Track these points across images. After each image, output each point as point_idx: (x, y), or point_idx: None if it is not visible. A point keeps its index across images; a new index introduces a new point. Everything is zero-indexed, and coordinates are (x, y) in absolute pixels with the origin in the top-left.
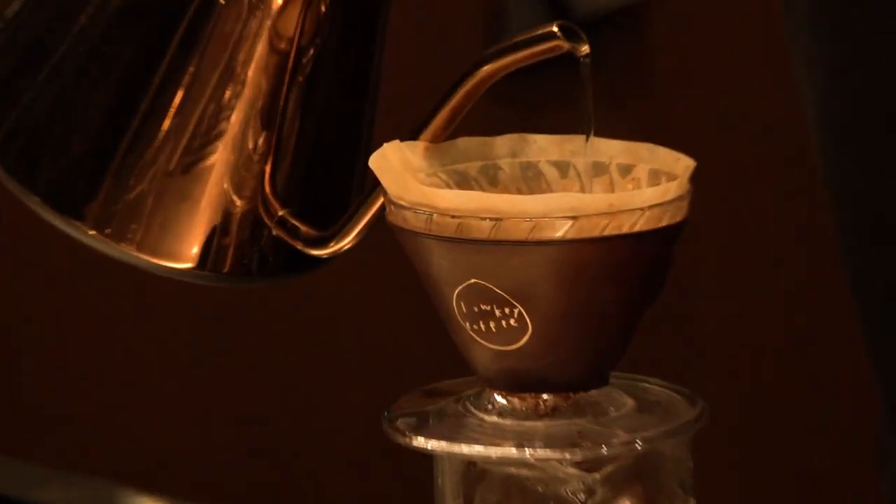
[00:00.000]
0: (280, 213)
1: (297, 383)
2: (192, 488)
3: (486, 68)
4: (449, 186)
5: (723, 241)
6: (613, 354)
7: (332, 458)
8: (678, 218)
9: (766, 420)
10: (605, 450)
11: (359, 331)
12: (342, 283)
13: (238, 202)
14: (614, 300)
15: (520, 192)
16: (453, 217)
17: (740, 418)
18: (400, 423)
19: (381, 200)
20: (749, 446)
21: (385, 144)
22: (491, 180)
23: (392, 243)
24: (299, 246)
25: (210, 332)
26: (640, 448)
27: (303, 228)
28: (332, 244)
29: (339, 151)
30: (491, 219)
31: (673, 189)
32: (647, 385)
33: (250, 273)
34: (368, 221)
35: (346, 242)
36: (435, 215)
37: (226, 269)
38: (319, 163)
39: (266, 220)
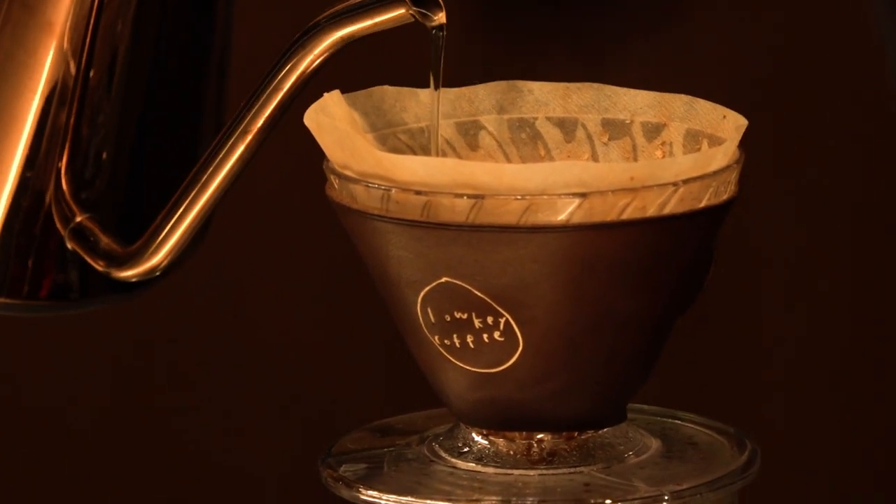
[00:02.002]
0: (78, 218)
1: (207, 411)
2: None
3: (320, 43)
4: (412, 151)
5: (785, 227)
6: (633, 380)
7: None
8: (724, 196)
9: (837, 468)
10: None
11: (283, 348)
12: (255, 279)
13: (29, 207)
14: (635, 307)
15: (509, 159)
16: (419, 193)
17: (804, 466)
18: (344, 470)
19: (199, 206)
20: (815, 499)
21: (325, 95)
22: (470, 143)
23: (332, 225)
24: (98, 265)
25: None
26: None
27: (104, 240)
28: (133, 264)
29: (167, 141)
30: (470, 196)
31: (718, 157)
32: (679, 422)
33: (66, 299)
34: (185, 235)
35: (152, 263)
36: (394, 191)
37: (34, 295)
38: (138, 155)
39: (59, 227)
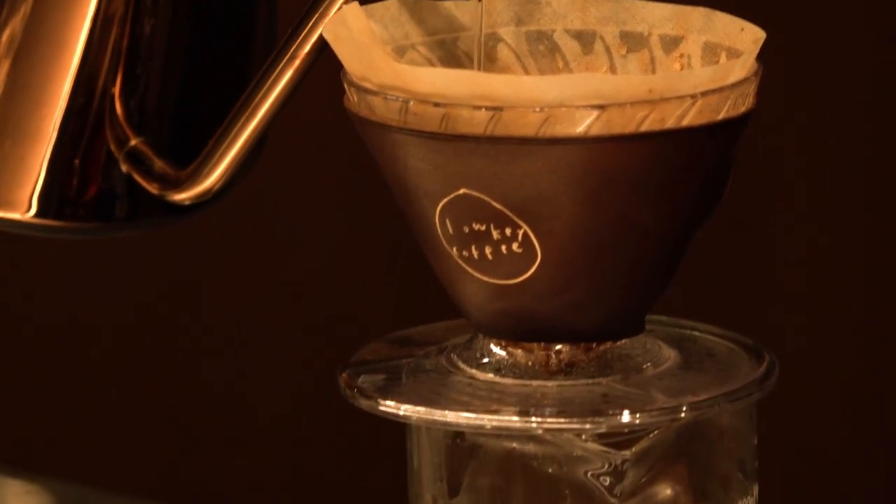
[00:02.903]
0: (133, 141)
1: (228, 331)
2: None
3: None
4: (431, 63)
5: (804, 139)
6: (652, 292)
7: (271, 430)
8: (742, 109)
9: (852, 382)
10: (638, 419)
11: (306, 258)
12: (281, 194)
13: (82, 129)
14: (653, 219)
15: (527, 72)
16: (437, 105)
17: (821, 380)
18: (363, 381)
19: (252, 127)
20: (831, 416)
21: (344, 7)
22: (488, 56)
23: (353, 138)
24: (153, 188)
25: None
26: (685, 416)
27: (158, 164)
28: (187, 187)
29: (219, 64)
30: (488, 108)
31: (736, 69)
32: (697, 333)
33: (110, 220)
34: (238, 157)
35: (207, 186)
36: (412, 103)
37: (79, 216)
38: (190, 78)
39: (115, 150)
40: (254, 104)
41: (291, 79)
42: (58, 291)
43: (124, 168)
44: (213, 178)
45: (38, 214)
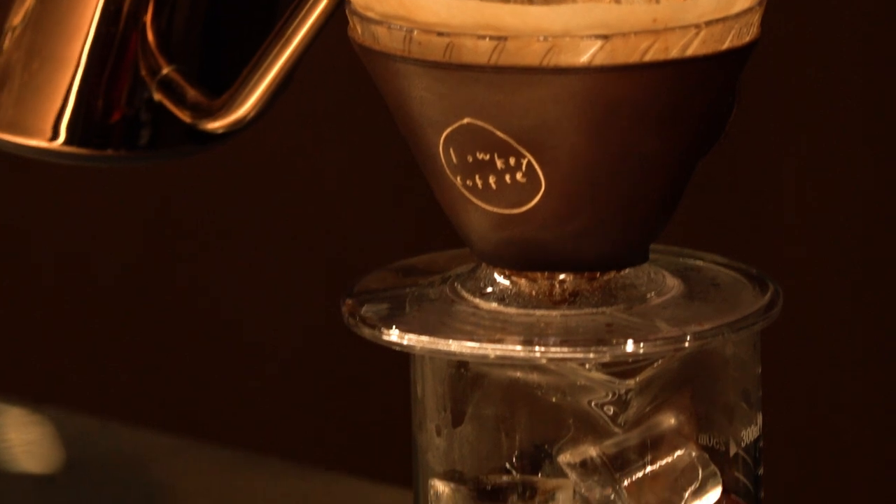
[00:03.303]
0: (165, 70)
1: (234, 261)
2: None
3: None
4: None
5: (811, 69)
6: (655, 222)
7: (276, 360)
8: (746, 38)
9: (854, 312)
10: (642, 348)
11: (311, 189)
12: (287, 126)
13: (111, 57)
14: (657, 149)
15: (531, 1)
16: (441, 35)
17: (824, 309)
18: (366, 310)
19: (286, 57)
20: (835, 345)
21: None
22: None
23: (358, 70)
24: (185, 116)
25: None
26: (689, 346)
27: (191, 92)
28: (221, 115)
29: None
30: (492, 38)
31: None
32: (701, 263)
33: (135, 148)
34: (271, 86)
35: (240, 114)
36: (416, 32)
37: (104, 144)
38: (224, 4)
39: (146, 78)
40: (288, 33)
41: (326, 8)
42: (63, 220)
43: (157, 96)
44: (247, 106)
45: (66, 142)
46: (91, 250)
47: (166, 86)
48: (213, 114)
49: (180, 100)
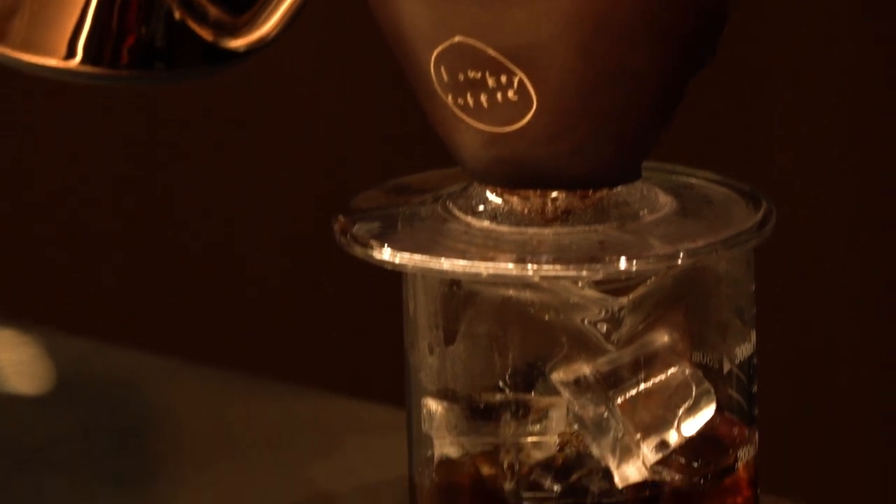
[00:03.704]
0: None
1: (218, 186)
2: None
3: None
4: None
5: None
6: (648, 139)
7: (269, 280)
8: None
9: (848, 228)
10: (635, 265)
11: (302, 108)
12: (278, 45)
13: None
14: (648, 65)
15: None
16: None
17: (818, 226)
18: (358, 228)
19: None
20: (828, 262)
21: None
22: None
23: None
24: (207, 35)
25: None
26: (682, 263)
27: (212, 11)
28: (244, 33)
29: None
30: None
31: None
32: (694, 180)
33: (151, 68)
34: (295, 3)
35: (263, 32)
36: None
37: (119, 64)
38: None
39: None
40: None
41: None
42: (54, 140)
43: (178, 14)
44: (270, 24)
45: (82, 62)
46: (83, 171)
47: (188, 4)
48: (236, 32)
49: (202, 17)
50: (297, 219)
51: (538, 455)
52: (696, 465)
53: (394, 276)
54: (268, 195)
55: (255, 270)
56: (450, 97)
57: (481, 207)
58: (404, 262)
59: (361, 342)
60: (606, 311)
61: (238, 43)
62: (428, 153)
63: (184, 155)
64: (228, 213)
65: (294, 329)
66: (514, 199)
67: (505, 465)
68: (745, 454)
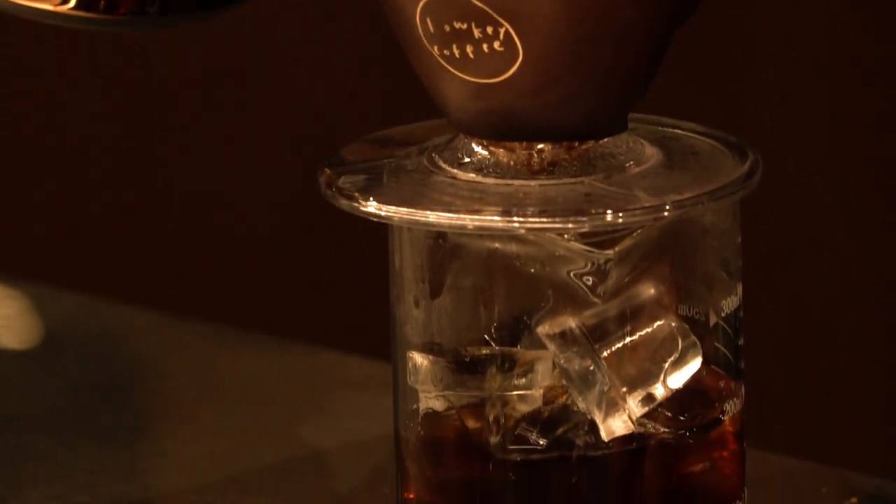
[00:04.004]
0: None
1: (204, 139)
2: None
3: None
4: None
5: None
6: (633, 91)
7: (255, 231)
8: None
9: (834, 179)
10: (621, 217)
11: (290, 60)
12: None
13: None
14: (634, 17)
15: None
16: None
17: (805, 177)
18: (343, 181)
19: None
20: (815, 213)
21: None
22: None
23: None
24: None
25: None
26: (668, 215)
27: None
28: None
29: None
30: None
31: None
32: (680, 132)
33: (145, 13)
34: None
35: None
36: None
37: (113, 9)
38: None
39: None
40: None
41: None
42: (41, 88)
43: None
44: None
45: (75, 6)
46: (71, 121)
47: None
48: None
49: None
50: (285, 172)
51: (524, 408)
52: (682, 418)
53: (380, 229)
54: (256, 148)
55: (242, 224)
56: (436, 48)
57: (467, 160)
58: (390, 214)
59: (347, 296)
60: (592, 264)
61: None
62: (415, 105)
63: (174, 105)
64: (216, 166)
65: (281, 283)
66: (500, 152)
67: (490, 419)
68: (731, 407)
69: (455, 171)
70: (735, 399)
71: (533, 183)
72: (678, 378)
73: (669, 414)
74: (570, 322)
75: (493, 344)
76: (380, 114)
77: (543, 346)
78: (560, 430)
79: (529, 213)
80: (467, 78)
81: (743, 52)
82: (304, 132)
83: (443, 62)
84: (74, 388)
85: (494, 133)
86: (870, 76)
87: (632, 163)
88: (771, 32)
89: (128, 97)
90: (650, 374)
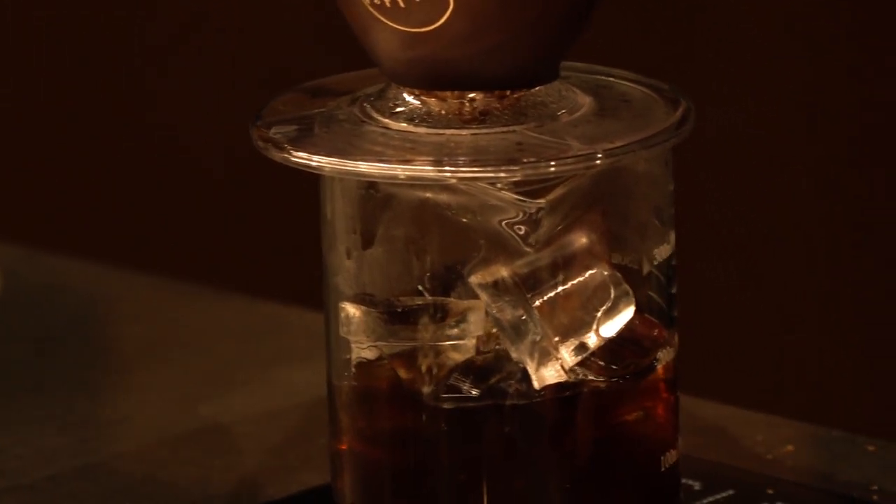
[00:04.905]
0: None
1: (163, 74)
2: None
3: None
4: None
5: None
6: (565, 39)
7: (188, 187)
8: None
9: (771, 126)
10: (553, 166)
11: (213, 9)
12: None
13: None
14: None
15: None
16: None
17: (735, 125)
18: (274, 132)
19: None
20: (748, 161)
21: None
22: None
23: None
24: None
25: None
26: (601, 163)
27: None
28: None
29: None
30: None
31: None
32: (612, 79)
33: None
34: None
35: None
36: None
37: None
38: None
39: None
40: None
41: None
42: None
43: None
44: None
45: None
46: (14, 69)
47: None
48: None
49: None
50: (216, 121)
51: (457, 358)
52: (614, 367)
53: (312, 179)
54: (184, 99)
55: (176, 175)
56: None
57: (399, 109)
58: (321, 164)
59: (281, 246)
60: (524, 213)
61: None
62: (346, 53)
63: (123, 55)
64: (146, 118)
65: (215, 233)
66: (432, 101)
67: (423, 369)
68: (664, 356)
69: (387, 120)
70: (668, 347)
71: (465, 132)
72: (611, 327)
73: (602, 363)
74: (503, 271)
75: (425, 294)
76: (311, 62)
77: (476, 296)
78: (493, 380)
79: (461, 162)
80: (398, 27)
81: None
82: (236, 81)
83: (374, 11)
84: (10, 339)
85: (426, 82)
86: (812, 31)
87: (564, 111)
88: None
89: (76, 37)
90: (583, 323)
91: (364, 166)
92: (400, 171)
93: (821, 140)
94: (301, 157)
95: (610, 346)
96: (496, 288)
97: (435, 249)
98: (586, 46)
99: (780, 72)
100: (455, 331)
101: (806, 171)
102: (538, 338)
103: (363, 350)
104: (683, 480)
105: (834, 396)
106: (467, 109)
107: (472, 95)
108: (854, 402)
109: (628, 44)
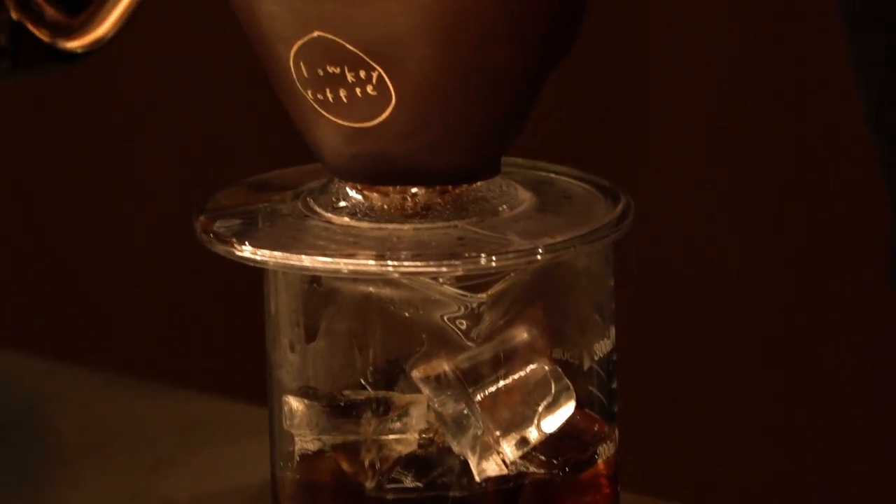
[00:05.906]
0: None
1: (82, 180)
2: None
3: None
4: None
5: None
6: (506, 134)
7: (132, 282)
8: None
9: (708, 219)
10: (494, 261)
11: (158, 106)
12: (141, 44)
13: None
14: (506, 61)
15: None
16: None
17: (677, 222)
18: (219, 226)
19: None
20: (688, 255)
21: None
22: None
23: None
24: (44, 35)
25: None
26: (541, 259)
27: (49, 11)
28: (80, 35)
29: None
30: None
31: None
32: (554, 175)
33: None
34: (130, 5)
35: (99, 34)
36: None
37: None
38: None
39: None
40: None
41: None
42: None
43: (15, 16)
44: (106, 26)
45: None
46: None
47: (24, 4)
48: (72, 33)
49: (38, 18)
50: (160, 218)
51: (400, 450)
52: (555, 461)
53: (256, 274)
54: (129, 195)
55: (119, 269)
56: (309, 92)
57: (342, 203)
58: (265, 258)
59: (224, 341)
60: (466, 308)
61: (74, 44)
62: (289, 149)
63: (42, 153)
64: (92, 214)
65: (158, 328)
66: (374, 195)
67: (366, 462)
68: (605, 451)
69: (330, 215)
70: (609, 442)
71: (407, 227)
72: (552, 422)
73: (543, 457)
74: (445, 366)
75: (368, 388)
76: (254, 158)
77: (418, 390)
78: (435, 473)
79: (403, 256)
80: (341, 122)
81: (616, 94)
82: (181, 177)
83: (317, 106)
84: None
85: (368, 177)
86: (748, 123)
87: (505, 206)
88: (652, 77)
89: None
90: (524, 418)
91: (307, 260)
92: (343, 265)
93: (764, 234)
94: (245, 251)
95: (551, 441)
96: (438, 382)
97: (377, 343)
98: (528, 141)
99: (719, 166)
100: (397, 424)
101: (747, 268)
102: (479, 432)
103: (307, 442)
104: None
105: (773, 496)
106: (409, 204)
107: (414, 190)
108: (794, 501)
109: (571, 139)
